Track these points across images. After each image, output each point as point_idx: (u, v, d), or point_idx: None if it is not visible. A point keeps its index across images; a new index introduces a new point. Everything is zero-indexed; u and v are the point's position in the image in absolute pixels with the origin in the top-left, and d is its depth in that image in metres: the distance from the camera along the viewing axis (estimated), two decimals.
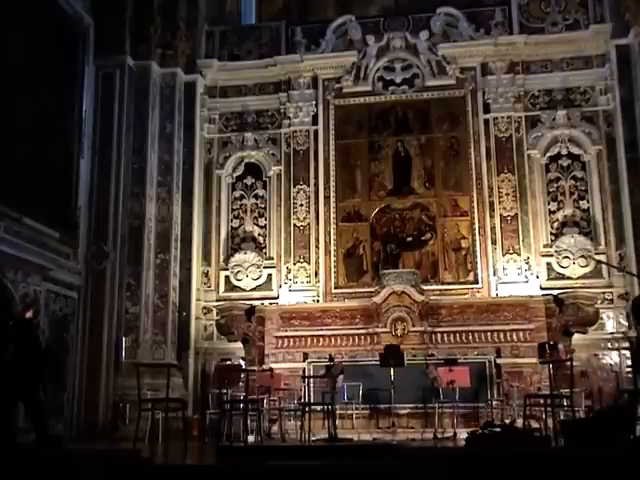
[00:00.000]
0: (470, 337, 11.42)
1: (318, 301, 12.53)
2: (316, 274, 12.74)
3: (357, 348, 11.63)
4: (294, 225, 12.97)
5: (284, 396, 10.65)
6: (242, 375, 9.92)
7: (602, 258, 12.02)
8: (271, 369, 10.83)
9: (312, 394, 11.07)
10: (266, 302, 12.42)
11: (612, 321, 11.76)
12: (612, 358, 11.52)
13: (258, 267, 12.97)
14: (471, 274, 12.46)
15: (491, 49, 12.86)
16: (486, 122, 12.84)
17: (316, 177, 13.11)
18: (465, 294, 12.25)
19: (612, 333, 11.57)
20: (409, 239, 12.80)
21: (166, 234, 12.40)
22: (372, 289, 12.08)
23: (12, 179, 9.45)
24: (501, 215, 12.43)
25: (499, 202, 12.47)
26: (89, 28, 11.95)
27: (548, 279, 12.20)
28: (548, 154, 12.71)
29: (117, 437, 10.32)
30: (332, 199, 13.06)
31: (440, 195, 12.89)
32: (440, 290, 12.27)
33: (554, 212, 12.53)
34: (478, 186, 12.66)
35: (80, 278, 11.35)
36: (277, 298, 12.64)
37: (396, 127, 13.29)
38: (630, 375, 11.14)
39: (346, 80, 13.35)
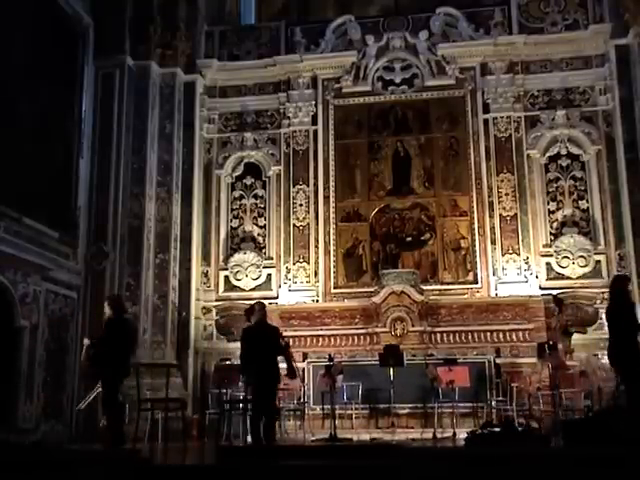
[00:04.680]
0: (469, 337, 11.45)
1: (318, 301, 12.53)
2: (316, 274, 12.74)
3: (357, 348, 11.65)
4: (294, 225, 12.97)
5: (284, 396, 10.64)
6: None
7: (602, 258, 12.07)
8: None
9: (312, 394, 11.11)
10: (265, 302, 12.37)
11: None
12: None
13: (258, 267, 12.97)
14: (470, 274, 12.47)
15: (491, 49, 12.86)
16: (486, 122, 12.84)
17: (316, 177, 13.11)
18: (464, 294, 12.25)
19: None
20: (408, 239, 12.80)
21: (166, 234, 12.39)
22: (372, 289, 12.09)
23: (12, 179, 9.44)
24: (500, 215, 12.43)
25: (498, 202, 12.47)
26: (89, 28, 11.94)
27: (547, 279, 12.20)
28: (547, 154, 12.71)
29: None
30: (332, 199, 13.06)
31: (440, 195, 12.89)
32: (439, 290, 12.27)
33: (553, 212, 12.52)
34: (477, 186, 12.66)
35: (80, 278, 11.34)
36: (276, 298, 12.63)
37: (396, 127, 13.29)
38: None
39: (345, 80, 13.35)
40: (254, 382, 7.88)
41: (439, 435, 9.78)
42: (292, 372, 8.36)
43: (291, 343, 11.66)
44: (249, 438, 8.97)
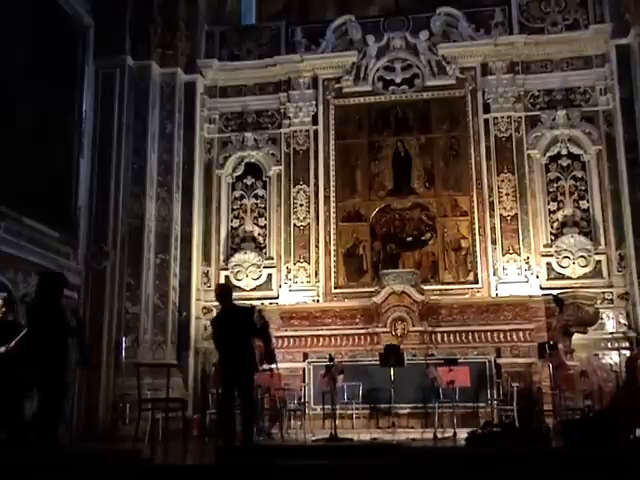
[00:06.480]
0: (470, 337, 11.44)
1: (318, 301, 12.53)
2: (316, 274, 12.74)
3: (357, 348, 11.63)
4: (294, 225, 12.96)
5: (284, 396, 10.64)
6: None
7: (602, 258, 12.06)
8: (271, 369, 10.82)
9: (312, 394, 11.11)
10: (266, 302, 12.40)
11: (612, 321, 11.75)
12: (612, 358, 11.51)
13: (258, 267, 12.97)
14: (471, 274, 12.46)
15: (491, 49, 12.85)
16: (486, 122, 12.83)
17: (316, 177, 13.11)
18: (465, 294, 12.24)
19: (612, 333, 11.56)
20: (409, 239, 12.80)
21: (166, 234, 12.39)
22: (372, 289, 12.08)
23: (12, 179, 9.45)
24: (501, 215, 12.42)
25: (499, 202, 12.46)
26: (89, 28, 11.95)
27: (548, 279, 12.19)
28: (548, 154, 12.71)
29: (117, 437, 10.31)
30: (332, 199, 13.05)
31: (440, 195, 12.88)
32: (440, 290, 12.26)
33: (554, 212, 12.52)
34: (478, 186, 12.66)
35: (80, 278, 11.34)
36: (277, 298, 12.64)
37: (396, 127, 13.28)
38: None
39: (346, 80, 13.34)
40: (226, 373, 7.18)
41: (440, 435, 9.77)
42: (270, 356, 7.86)
43: (292, 343, 11.77)
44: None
